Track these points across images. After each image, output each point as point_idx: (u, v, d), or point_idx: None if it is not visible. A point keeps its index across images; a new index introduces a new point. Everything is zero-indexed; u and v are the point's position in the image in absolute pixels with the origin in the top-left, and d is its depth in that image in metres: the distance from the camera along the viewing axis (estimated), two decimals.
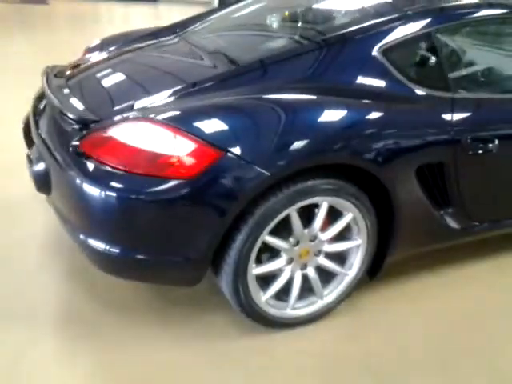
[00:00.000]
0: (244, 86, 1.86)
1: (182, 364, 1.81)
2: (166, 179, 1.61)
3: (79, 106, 1.93)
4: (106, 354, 1.83)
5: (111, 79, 2.18)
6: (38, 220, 2.58)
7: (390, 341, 2.00)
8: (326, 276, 2.02)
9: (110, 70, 2.25)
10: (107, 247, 1.72)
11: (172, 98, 1.84)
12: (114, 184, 1.64)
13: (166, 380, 1.75)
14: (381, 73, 1.97)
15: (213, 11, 2.95)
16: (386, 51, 1.96)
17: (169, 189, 1.61)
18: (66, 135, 1.84)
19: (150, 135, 1.66)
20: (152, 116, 1.71)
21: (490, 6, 2.25)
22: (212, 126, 1.68)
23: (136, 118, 1.73)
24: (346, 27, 2.05)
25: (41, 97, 2.27)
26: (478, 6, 2.23)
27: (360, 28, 2.01)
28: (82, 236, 1.77)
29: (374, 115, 1.88)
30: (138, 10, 10.92)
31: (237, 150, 1.62)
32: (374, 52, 1.95)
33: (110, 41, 2.67)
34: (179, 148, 1.62)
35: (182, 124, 1.66)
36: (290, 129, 1.72)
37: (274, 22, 2.57)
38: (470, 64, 2.30)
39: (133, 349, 1.86)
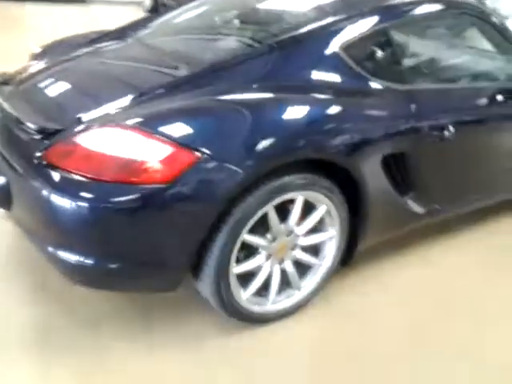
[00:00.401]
0: (202, 89, 1.84)
1: (164, 372, 1.78)
2: (141, 185, 1.57)
3: (38, 115, 1.85)
4: (82, 367, 1.76)
5: (66, 86, 2.09)
6: None
7: (365, 330, 2.07)
8: (302, 268, 2.05)
9: (63, 76, 2.16)
10: (81, 259, 1.67)
11: (133, 103, 1.80)
12: (85, 194, 1.58)
13: None
14: (342, 68, 2.03)
15: (162, 13, 2.87)
16: (347, 48, 2.01)
17: (145, 195, 1.57)
18: (26, 146, 1.77)
19: (121, 141, 1.62)
20: (121, 121, 1.67)
21: (430, 1, 2.35)
22: (185, 128, 1.66)
23: (104, 124, 1.68)
24: (303, 26, 2.09)
25: None
26: (421, 2, 2.32)
27: (320, 26, 2.05)
28: (51, 249, 1.71)
29: (338, 109, 1.93)
30: (67, 11, 10.49)
31: (212, 152, 1.62)
32: (336, 49, 2.00)
33: (56, 46, 2.57)
34: (154, 152, 1.59)
35: (154, 128, 1.64)
36: (259, 128, 1.74)
37: (227, 23, 2.56)
38: (423, 57, 2.43)
39: (113, 359, 1.81)
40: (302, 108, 1.86)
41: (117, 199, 1.58)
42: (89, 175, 1.59)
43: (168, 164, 1.58)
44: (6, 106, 1.91)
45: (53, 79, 2.15)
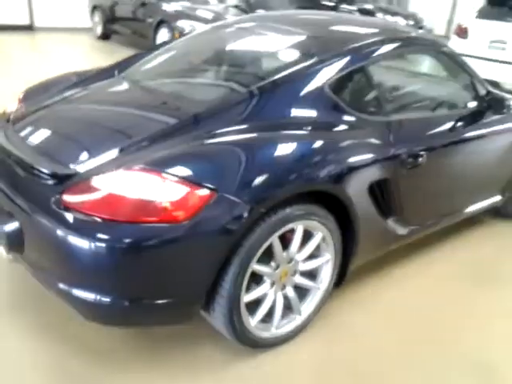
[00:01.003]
0: (192, 134, 1.94)
1: None
2: (158, 225, 1.66)
3: (46, 159, 1.90)
4: None
5: (67, 128, 2.16)
6: None
7: (362, 344, 2.22)
8: (301, 293, 2.18)
9: (61, 119, 2.24)
10: (97, 297, 1.73)
11: (135, 148, 1.88)
12: (103, 235, 1.66)
13: None
14: (326, 104, 2.20)
15: (148, 52, 2.96)
16: (330, 85, 2.19)
17: (162, 234, 1.67)
18: (38, 189, 1.82)
19: (137, 183, 1.71)
20: (134, 164, 1.76)
21: (389, 41, 2.54)
22: (195, 169, 1.78)
23: (118, 167, 1.76)
24: (291, 67, 2.25)
25: None
26: (382, 43, 2.49)
27: (306, 66, 2.22)
28: (67, 288, 1.76)
29: (324, 143, 2.09)
30: (14, 39, 10.30)
31: (223, 190, 1.73)
32: (322, 87, 2.18)
33: (43, 88, 2.61)
34: (170, 193, 1.69)
35: (167, 169, 1.74)
36: (259, 165, 1.88)
37: (209, 65, 2.71)
38: (395, 90, 2.65)
39: None
40: (292, 145, 2.00)
41: (134, 239, 1.66)
42: (106, 217, 1.67)
43: (184, 203, 1.68)
44: (10, 148, 1.97)
45: (52, 122, 2.21)
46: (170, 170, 1.74)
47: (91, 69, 2.92)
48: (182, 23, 8.66)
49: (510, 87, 6.66)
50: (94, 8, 10.85)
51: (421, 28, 12.10)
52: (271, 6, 11.52)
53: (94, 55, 9.81)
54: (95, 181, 1.73)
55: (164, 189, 1.70)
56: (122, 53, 9.59)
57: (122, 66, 2.74)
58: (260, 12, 10.87)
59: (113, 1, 10.32)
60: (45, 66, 7.84)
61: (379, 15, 11.87)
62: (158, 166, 1.76)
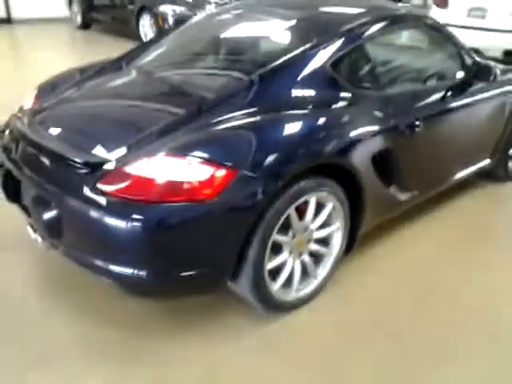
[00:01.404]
0: (209, 120, 2.08)
1: (221, 360, 2.05)
2: (189, 203, 1.83)
3: (78, 149, 2.04)
4: (151, 365, 2.00)
5: (91, 120, 2.30)
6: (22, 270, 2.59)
7: (372, 303, 2.43)
8: (316, 259, 2.37)
9: (85, 110, 2.38)
10: (135, 271, 1.90)
11: (155, 136, 2.02)
12: (139, 215, 1.82)
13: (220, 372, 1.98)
14: (329, 83, 2.37)
15: (150, 43, 3.08)
16: (333, 64, 2.35)
17: (197, 210, 1.83)
18: (74, 178, 1.96)
19: (166, 167, 1.87)
20: (161, 150, 1.91)
21: (379, 20, 2.68)
22: (223, 149, 1.94)
23: (147, 154, 1.91)
24: (290, 51, 2.40)
25: (6, 143, 2.33)
26: (373, 22, 2.64)
27: (309, 47, 2.37)
28: (108, 266, 1.92)
29: (330, 119, 2.27)
30: None
31: (247, 168, 1.90)
32: (323, 67, 2.34)
33: (59, 81, 2.73)
34: (198, 173, 1.85)
35: (193, 153, 1.89)
36: (282, 145, 2.06)
37: (214, 55, 2.87)
38: (390, 66, 2.81)
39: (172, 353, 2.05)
40: (300, 123, 2.17)
41: (166, 217, 1.83)
42: (140, 198, 1.83)
43: (211, 182, 1.84)
44: (38, 139, 2.11)
45: (73, 114, 2.36)
46: (193, 153, 1.90)
47: (93, 63, 3.01)
48: (163, 8, 8.67)
49: (492, 54, 6.90)
50: None
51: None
52: None
53: (77, 45, 9.79)
54: (127, 168, 1.88)
55: (190, 170, 1.86)
56: (104, 42, 9.61)
57: (128, 58, 2.86)
58: None
59: None
60: (28, 60, 7.84)
61: None
62: (182, 150, 1.91)
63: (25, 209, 2.31)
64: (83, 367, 2.00)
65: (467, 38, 7.02)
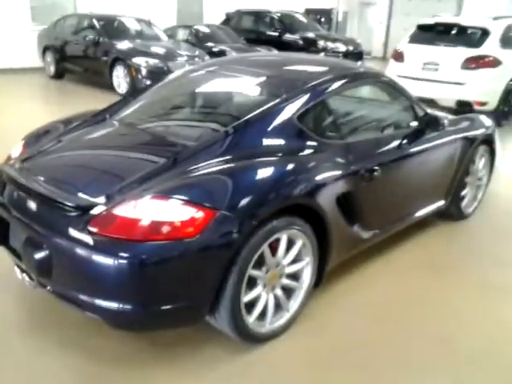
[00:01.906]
0: (184, 168, 2.30)
1: None
2: (176, 240, 2.02)
3: (68, 194, 2.22)
4: None
5: (79, 167, 2.51)
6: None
7: (341, 334, 2.63)
8: (287, 293, 2.57)
9: (72, 159, 2.58)
10: (120, 305, 2.06)
11: (139, 182, 2.22)
12: (125, 253, 2.01)
13: None
14: (296, 134, 2.65)
15: (132, 97, 3.32)
16: (300, 117, 2.64)
17: (180, 248, 2.03)
18: (65, 220, 2.14)
19: (151, 208, 2.07)
20: (146, 193, 2.11)
21: (340, 77, 3.02)
22: (203, 192, 2.16)
23: (134, 197, 2.11)
24: (261, 106, 2.68)
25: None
26: (334, 79, 2.97)
27: (278, 101, 2.66)
28: (94, 301, 2.08)
29: (297, 165, 2.52)
30: None
31: (224, 209, 2.12)
32: (291, 119, 2.62)
33: (44, 132, 2.93)
34: (179, 214, 2.05)
35: (175, 195, 2.10)
36: (256, 188, 2.31)
37: (192, 108, 3.13)
38: (351, 116, 3.13)
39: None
40: (271, 169, 2.43)
41: (151, 254, 2.01)
42: (127, 238, 2.02)
43: (193, 221, 2.05)
44: (29, 185, 2.29)
45: (62, 162, 2.55)
46: (176, 196, 2.11)
47: (76, 114, 3.23)
48: (137, 60, 9.04)
49: (446, 103, 7.46)
50: (46, 48, 11.06)
51: (361, 53, 13.01)
52: (218, 40, 12.13)
53: (52, 95, 10.00)
54: (115, 210, 2.07)
55: (174, 211, 2.06)
56: (78, 92, 9.86)
57: (112, 110, 3.09)
58: (209, 44, 11.43)
59: (64, 41, 10.59)
60: (4, 110, 7.97)
61: (321, 42, 12.69)
62: (166, 193, 2.12)
63: (12, 251, 2.45)
64: None
65: (423, 90, 7.67)
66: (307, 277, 2.61)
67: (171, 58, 9.35)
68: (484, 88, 7.38)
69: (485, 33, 7.63)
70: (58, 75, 10.99)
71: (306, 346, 2.51)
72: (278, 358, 2.41)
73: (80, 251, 2.05)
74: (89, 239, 2.05)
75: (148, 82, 8.83)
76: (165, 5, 14.94)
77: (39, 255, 2.15)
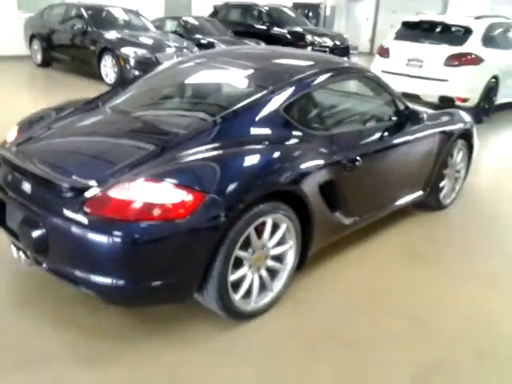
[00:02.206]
0: (175, 153, 2.41)
1: (187, 361, 2.33)
2: (168, 221, 2.15)
3: (65, 176, 2.32)
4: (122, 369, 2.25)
5: (74, 151, 2.61)
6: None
7: (325, 315, 2.78)
8: (272, 274, 2.71)
9: (67, 143, 2.69)
10: (114, 281, 2.18)
11: (134, 165, 2.34)
12: (119, 232, 2.12)
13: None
14: (282, 124, 2.78)
15: (123, 86, 3.42)
16: (287, 107, 2.77)
17: (171, 228, 2.15)
18: (61, 200, 2.25)
19: (144, 190, 2.19)
20: (140, 176, 2.23)
21: (325, 71, 3.17)
22: (194, 177, 2.28)
23: (127, 180, 2.22)
24: (253, 94, 2.81)
25: None
26: (320, 73, 3.12)
27: (265, 93, 2.79)
28: (89, 276, 2.21)
29: (283, 154, 2.66)
30: None
31: (213, 192, 2.25)
32: (278, 110, 2.75)
33: (38, 118, 3.02)
34: (171, 196, 2.18)
35: (168, 178, 2.23)
36: (243, 173, 2.44)
37: (183, 97, 3.24)
38: (335, 109, 3.28)
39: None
40: (267, 156, 2.58)
41: (143, 233, 2.14)
42: (121, 218, 2.14)
43: (183, 203, 2.17)
44: (27, 167, 2.39)
45: (58, 146, 2.66)
46: (168, 179, 2.23)
47: (67, 102, 3.32)
48: (125, 50, 9.08)
49: (429, 99, 7.65)
50: (33, 36, 11.01)
51: (347, 48, 13.16)
52: (206, 32, 12.19)
53: (38, 83, 9.99)
54: (110, 192, 2.19)
55: (165, 193, 2.18)
56: (64, 80, 9.87)
57: (104, 98, 3.19)
58: (198, 36, 11.49)
59: (51, 29, 10.56)
60: None
61: (308, 37, 12.80)
62: (158, 176, 2.24)
63: (9, 230, 2.55)
64: (69, 370, 2.23)
65: (408, 85, 7.86)
66: (291, 259, 2.75)
67: (159, 48, 9.39)
68: (466, 85, 7.59)
69: (467, 31, 7.83)
70: (45, 63, 10.96)
71: (289, 324, 2.66)
72: (262, 335, 2.56)
73: (76, 230, 2.16)
74: (84, 219, 2.16)
75: (136, 73, 8.90)
76: None
77: (36, 234, 2.26)
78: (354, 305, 2.88)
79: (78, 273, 2.23)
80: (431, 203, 4.17)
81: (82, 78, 10.03)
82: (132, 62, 8.98)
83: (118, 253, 2.14)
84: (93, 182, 2.26)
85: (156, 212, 2.15)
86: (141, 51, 9.13)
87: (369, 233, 3.65)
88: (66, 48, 10.35)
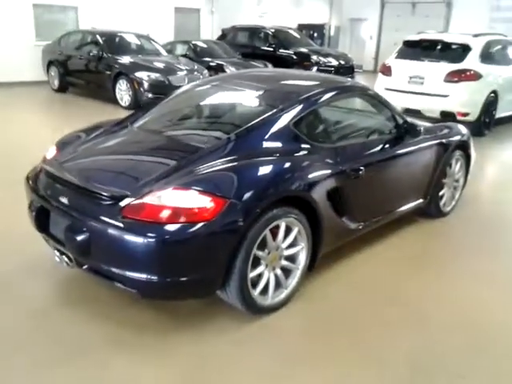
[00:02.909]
0: (196, 167, 2.74)
1: (215, 350, 2.62)
2: (195, 223, 2.47)
3: (105, 186, 2.67)
4: (155, 358, 2.55)
5: (110, 165, 2.98)
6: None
7: (336, 307, 3.07)
8: (286, 273, 3.01)
9: (102, 159, 3.05)
10: (148, 276, 2.49)
11: (161, 176, 2.68)
12: (155, 233, 2.45)
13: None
14: (293, 137, 3.11)
15: (146, 109, 3.80)
16: (296, 123, 3.11)
17: (198, 229, 2.47)
18: (101, 208, 2.59)
19: (174, 197, 2.52)
20: (170, 185, 2.57)
21: (330, 90, 3.53)
22: (216, 184, 2.61)
23: (159, 189, 2.56)
24: (265, 112, 3.17)
25: (36, 185, 2.99)
26: (325, 91, 3.48)
27: (276, 111, 3.13)
28: (126, 273, 2.52)
29: (294, 164, 2.98)
30: None
31: (234, 198, 2.57)
32: (288, 125, 3.09)
33: (72, 138, 3.38)
34: (198, 202, 2.50)
35: (194, 186, 2.56)
36: (258, 181, 2.77)
37: (199, 117, 3.62)
38: (340, 124, 3.62)
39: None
40: (281, 166, 2.91)
41: (174, 234, 2.45)
42: (155, 221, 2.47)
43: (209, 208, 2.50)
44: (70, 179, 2.76)
45: (94, 161, 3.02)
46: (194, 187, 2.56)
47: (96, 124, 3.69)
48: (139, 74, 9.54)
49: (431, 114, 7.97)
50: (50, 63, 11.54)
51: (352, 67, 13.57)
52: (215, 54, 12.68)
53: (56, 107, 10.46)
54: (145, 199, 2.52)
55: (192, 199, 2.51)
56: (81, 104, 10.33)
57: (131, 120, 3.55)
58: (207, 59, 11.95)
59: (67, 56, 11.09)
60: (13, 121, 8.41)
61: (314, 57, 13.23)
62: (186, 185, 2.58)
63: (52, 237, 2.89)
64: (107, 357, 2.54)
65: (410, 102, 8.22)
66: (302, 259, 3.05)
67: (171, 72, 9.85)
68: (466, 100, 7.93)
69: (466, 48, 8.19)
70: (62, 88, 11.45)
71: (303, 316, 2.96)
72: (279, 326, 2.85)
73: (115, 233, 2.49)
74: (122, 223, 2.49)
75: (150, 95, 9.35)
76: (163, 21, 15.54)
77: (80, 237, 2.58)
78: (356, 300, 3.17)
79: (116, 270, 2.55)
80: (432, 211, 4.46)
81: (98, 101, 10.49)
82: (146, 85, 9.43)
83: (151, 251, 2.46)
84: (129, 192, 2.59)
85: (184, 216, 2.48)
86: (154, 75, 9.58)
87: (373, 238, 3.94)
88: (82, 73, 10.85)
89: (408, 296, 3.25)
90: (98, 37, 10.69)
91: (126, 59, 10.08)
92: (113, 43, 10.77)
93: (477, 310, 3.13)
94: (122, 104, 9.79)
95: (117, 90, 9.89)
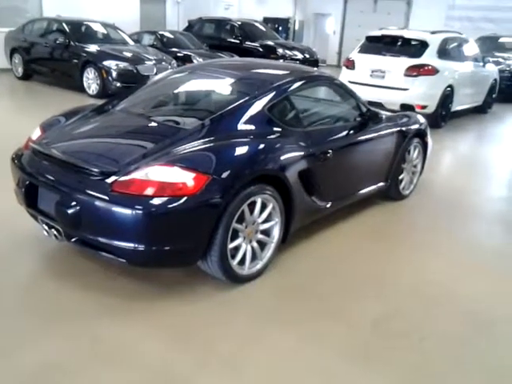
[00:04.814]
0: (177, 145, 2.97)
1: (193, 311, 2.86)
2: (179, 197, 2.69)
3: (94, 163, 2.85)
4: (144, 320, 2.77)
5: (97, 144, 3.17)
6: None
7: (301, 276, 3.35)
8: (261, 245, 3.27)
9: (86, 139, 3.22)
10: (135, 245, 2.70)
11: (149, 154, 2.89)
12: (142, 206, 2.66)
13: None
14: (267, 121, 3.36)
15: (127, 94, 3.97)
16: (269, 108, 3.36)
17: (181, 202, 2.69)
18: (91, 182, 2.77)
19: (160, 172, 2.73)
20: (155, 162, 2.77)
21: (300, 79, 3.81)
22: (197, 162, 2.84)
23: (146, 165, 2.76)
24: (242, 98, 3.40)
25: (23, 164, 3.14)
26: (295, 80, 3.74)
27: (251, 97, 3.38)
28: (115, 242, 2.72)
29: (267, 146, 3.24)
30: None
31: (215, 174, 2.80)
32: (263, 109, 3.33)
33: (56, 120, 3.54)
34: (182, 177, 2.72)
35: (179, 163, 2.77)
36: (236, 160, 3.02)
37: (176, 103, 3.82)
38: (310, 110, 3.89)
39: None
40: (255, 146, 3.15)
41: (160, 207, 2.67)
42: (142, 194, 2.68)
43: (192, 183, 2.72)
44: (60, 156, 2.92)
45: (82, 140, 3.19)
46: (179, 164, 2.78)
47: (78, 107, 3.84)
48: (107, 63, 9.57)
49: (391, 106, 8.38)
50: (14, 50, 11.36)
51: (316, 61, 13.92)
52: (182, 45, 12.77)
53: (20, 95, 10.35)
54: (132, 175, 2.72)
55: (176, 175, 2.73)
56: (46, 92, 10.27)
57: (113, 103, 3.72)
58: (174, 49, 12.04)
59: (32, 43, 10.95)
60: None
61: (279, 50, 13.50)
62: (171, 162, 2.79)
63: (40, 212, 3.04)
64: (96, 322, 2.73)
65: (372, 94, 8.60)
66: (276, 233, 3.32)
67: (140, 61, 9.91)
68: (424, 93, 8.37)
69: (424, 45, 8.63)
70: (26, 76, 11.31)
71: (276, 284, 3.23)
72: (254, 292, 3.11)
73: (106, 205, 2.69)
74: (113, 196, 2.68)
75: (118, 84, 9.40)
76: (128, 10, 15.44)
77: (71, 211, 2.76)
78: (325, 270, 3.47)
79: (106, 241, 2.75)
80: (393, 193, 4.81)
81: (63, 89, 10.44)
82: (114, 74, 9.47)
83: (139, 222, 2.67)
84: (117, 168, 2.79)
85: (169, 190, 2.69)
86: (122, 64, 9.63)
87: (340, 217, 4.26)
88: (47, 61, 10.73)
89: (370, 266, 3.56)
90: (64, 25, 10.60)
91: (93, 48, 10.06)
92: (79, 32, 10.72)
93: (427, 276, 3.49)
94: (90, 92, 9.80)
95: (84, 79, 9.88)
